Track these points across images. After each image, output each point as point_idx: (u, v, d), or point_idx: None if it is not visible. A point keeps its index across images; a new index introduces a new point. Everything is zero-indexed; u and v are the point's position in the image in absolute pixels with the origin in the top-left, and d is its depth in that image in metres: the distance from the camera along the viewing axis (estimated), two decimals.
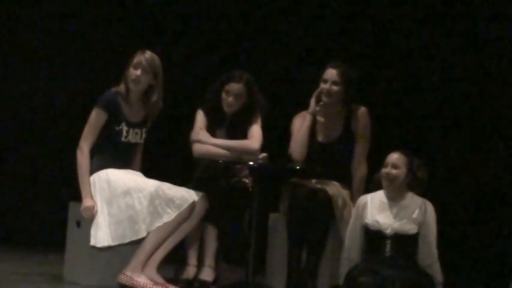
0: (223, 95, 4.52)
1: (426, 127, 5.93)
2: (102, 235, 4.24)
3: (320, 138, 4.58)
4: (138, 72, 4.32)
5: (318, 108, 4.55)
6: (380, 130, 4.90)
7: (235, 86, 4.51)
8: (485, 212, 5.59)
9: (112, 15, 6.31)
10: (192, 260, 4.49)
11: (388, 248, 3.98)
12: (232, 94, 4.50)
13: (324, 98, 4.51)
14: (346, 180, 4.54)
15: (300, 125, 4.60)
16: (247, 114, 4.57)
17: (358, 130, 4.58)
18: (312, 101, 4.58)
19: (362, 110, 4.64)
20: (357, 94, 4.69)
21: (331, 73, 4.54)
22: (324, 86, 4.51)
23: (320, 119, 4.59)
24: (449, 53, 5.82)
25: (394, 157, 4.07)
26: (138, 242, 4.28)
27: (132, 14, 6.33)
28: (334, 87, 4.52)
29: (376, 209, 4.10)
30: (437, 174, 5.32)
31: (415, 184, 4.07)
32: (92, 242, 4.22)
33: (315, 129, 4.60)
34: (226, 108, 4.55)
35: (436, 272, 4.03)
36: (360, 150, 4.57)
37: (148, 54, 4.36)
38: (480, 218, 5.60)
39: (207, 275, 4.42)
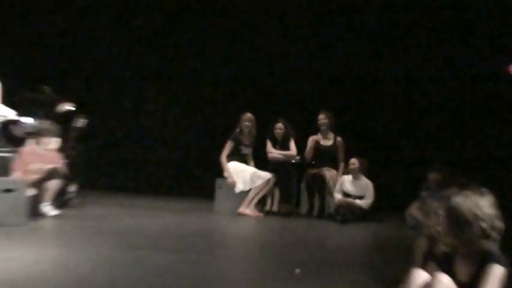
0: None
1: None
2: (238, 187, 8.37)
3: (322, 143, 8.87)
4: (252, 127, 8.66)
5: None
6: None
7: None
8: None
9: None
10: (269, 202, 8.72)
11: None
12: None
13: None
14: (335, 166, 8.88)
15: (310, 144, 8.80)
16: (286, 137, 8.66)
17: (339, 150, 8.75)
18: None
19: (339, 140, 8.79)
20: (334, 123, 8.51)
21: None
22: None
23: (323, 133, 8.88)
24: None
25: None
26: (246, 193, 8.43)
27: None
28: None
29: (347, 184, 8.36)
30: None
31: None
32: (237, 190, 8.26)
33: (319, 139, 8.87)
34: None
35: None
36: (341, 157, 8.83)
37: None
38: None
39: (275, 208, 8.74)
